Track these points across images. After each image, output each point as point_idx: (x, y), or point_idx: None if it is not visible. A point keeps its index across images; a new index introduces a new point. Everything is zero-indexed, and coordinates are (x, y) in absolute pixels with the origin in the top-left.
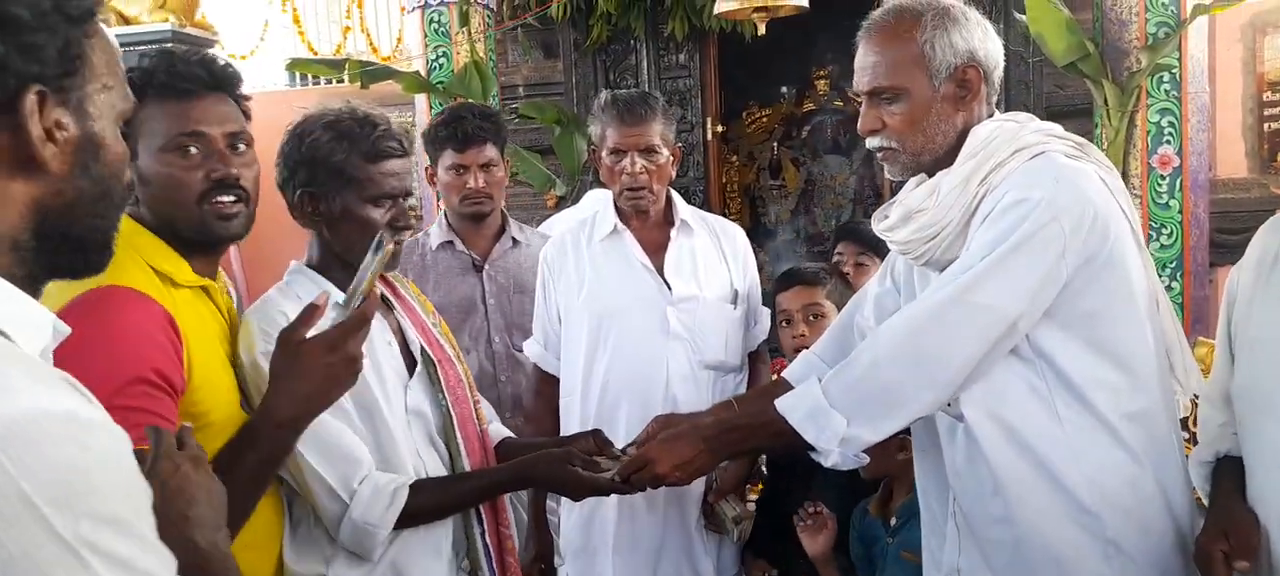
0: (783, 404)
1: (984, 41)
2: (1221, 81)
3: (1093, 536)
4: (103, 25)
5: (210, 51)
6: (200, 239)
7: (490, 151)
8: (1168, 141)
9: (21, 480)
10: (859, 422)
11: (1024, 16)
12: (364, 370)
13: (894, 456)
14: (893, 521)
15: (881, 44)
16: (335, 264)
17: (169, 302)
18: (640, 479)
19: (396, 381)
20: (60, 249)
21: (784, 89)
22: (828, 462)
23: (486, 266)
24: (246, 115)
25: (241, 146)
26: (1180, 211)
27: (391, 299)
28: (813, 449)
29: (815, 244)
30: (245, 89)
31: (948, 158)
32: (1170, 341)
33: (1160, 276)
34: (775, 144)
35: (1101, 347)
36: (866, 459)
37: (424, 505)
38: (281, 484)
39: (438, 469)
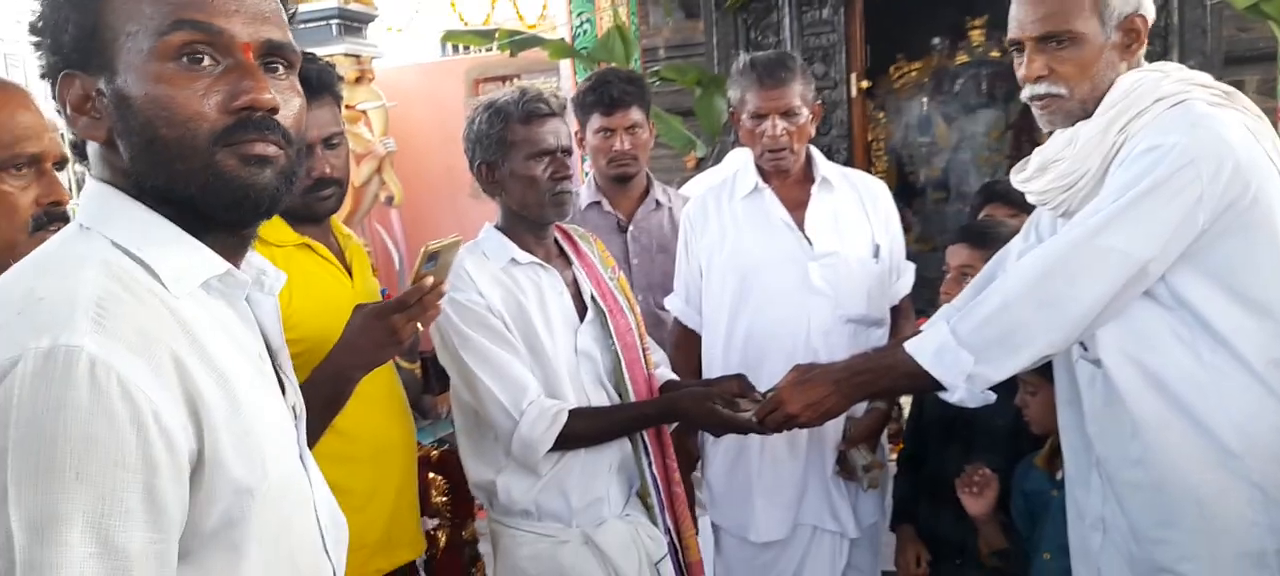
0: (911, 344)
1: None
2: None
3: (1238, 479)
4: None
5: (312, 53)
6: (306, 216)
7: (636, 114)
8: None
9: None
10: (985, 361)
11: None
12: (532, 314)
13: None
14: (1059, 476)
15: None
16: (517, 222)
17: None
18: (774, 419)
19: (565, 325)
20: (170, 200)
21: (935, 40)
22: (954, 398)
23: (631, 227)
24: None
25: (335, 143)
26: None
27: (571, 253)
28: (941, 388)
29: (966, 201)
30: (402, 61)
31: (1095, 107)
32: None
33: None
34: (925, 99)
35: (1245, 294)
36: (992, 396)
37: (582, 428)
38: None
39: (604, 404)
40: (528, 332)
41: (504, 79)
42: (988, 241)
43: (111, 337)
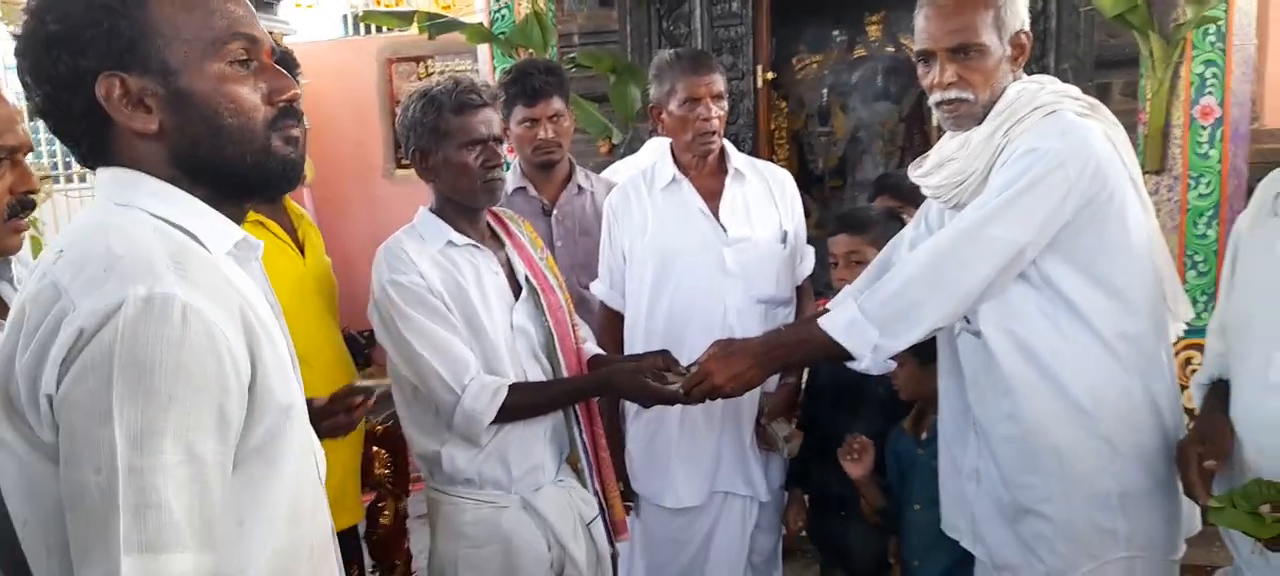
0: (824, 320)
1: (1026, 13)
2: (1274, 32)
3: (1089, 433)
4: None
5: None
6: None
7: (557, 104)
8: (1210, 92)
9: (130, 356)
10: (888, 333)
11: None
12: (471, 294)
13: (927, 381)
14: (923, 437)
15: (967, 6)
16: (450, 207)
17: None
18: (700, 390)
19: (501, 303)
20: (214, 180)
21: (836, 34)
22: (861, 366)
23: (555, 211)
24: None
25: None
26: (1219, 161)
27: (502, 235)
28: (850, 359)
29: (862, 190)
30: (310, 37)
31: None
32: (1163, 275)
33: (1197, 223)
34: (825, 90)
35: (1100, 278)
36: (893, 365)
37: (521, 402)
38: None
39: (539, 377)
40: (467, 311)
41: (418, 59)
42: (865, 226)
43: (194, 286)
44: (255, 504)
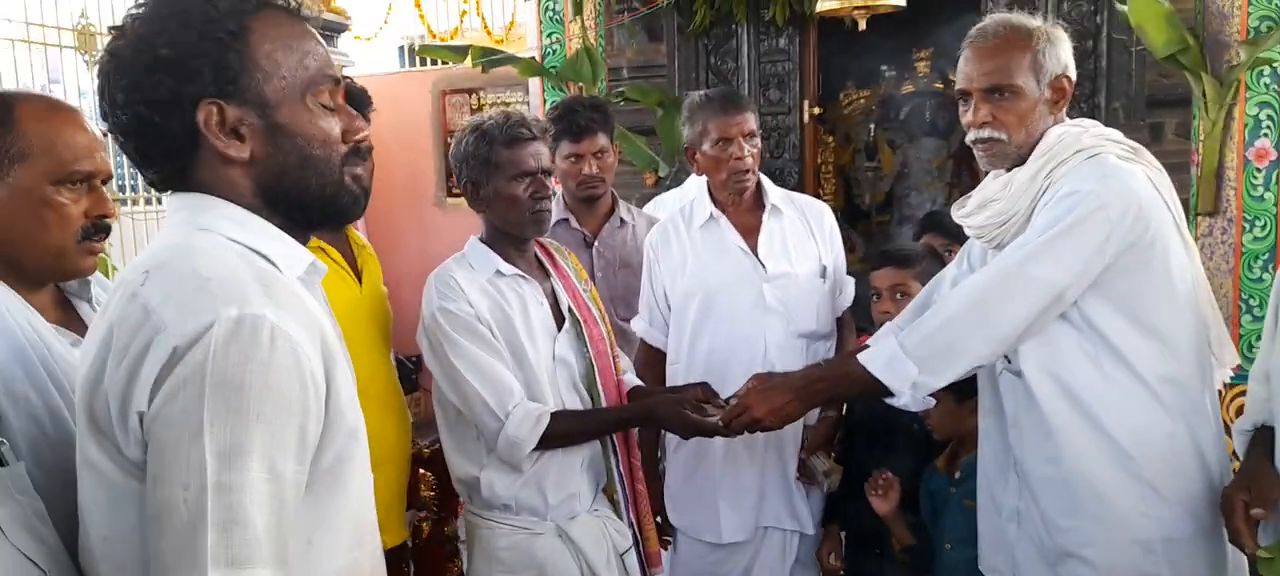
0: (864, 356)
1: (1070, 57)
2: None
3: (1132, 477)
4: (284, 26)
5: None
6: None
7: (602, 140)
8: (1265, 134)
9: (220, 378)
10: (927, 370)
11: (1125, 6)
12: (516, 323)
13: (962, 419)
14: (957, 475)
15: (1001, 49)
16: (499, 237)
17: None
18: (739, 423)
19: (545, 333)
20: (289, 208)
21: (884, 69)
22: (900, 403)
23: (597, 243)
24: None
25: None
26: (1275, 204)
27: (549, 266)
28: (889, 394)
29: (909, 225)
30: (367, 69)
31: (1028, 156)
32: (1208, 320)
33: (1252, 266)
34: (872, 126)
35: (1142, 321)
36: (933, 402)
37: (563, 430)
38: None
39: (578, 407)
40: (512, 340)
41: (470, 92)
42: (909, 261)
43: (281, 308)
44: (323, 523)
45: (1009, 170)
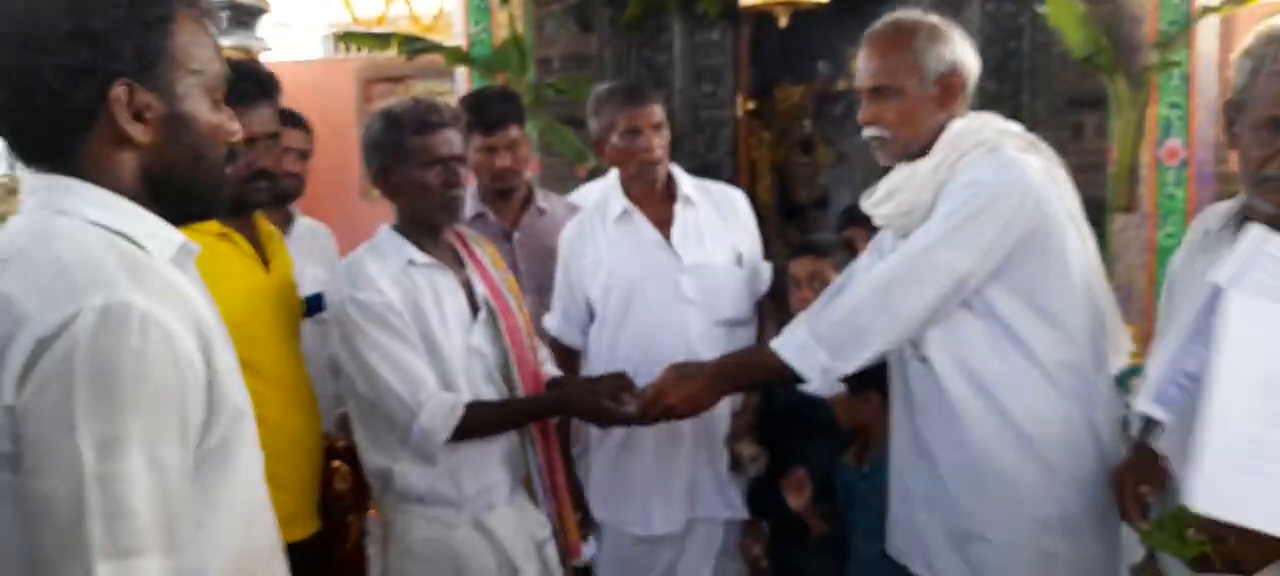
0: (776, 343)
1: (964, 53)
2: None
3: (1031, 458)
4: (198, 23)
5: (261, 63)
6: (236, 208)
7: (514, 132)
8: (1176, 134)
9: (93, 364)
10: (837, 356)
11: (1045, 9)
12: (429, 313)
13: (858, 409)
14: (865, 469)
15: (883, 49)
16: (412, 225)
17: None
18: (654, 410)
19: (459, 324)
20: (170, 198)
21: (819, 65)
22: (811, 388)
23: (517, 233)
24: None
25: (273, 140)
26: (1185, 202)
27: (464, 255)
28: (801, 381)
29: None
30: (288, 56)
31: (929, 148)
32: (1103, 307)
33: (1167, 262)
34: (808, 121)
35: (1041, 307)
36: (842, 387)
37: (477, 421)
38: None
39: (494, 398)
40: (424, 330)
41: (396, 80)
42: (826, 250)
43: (150, 293)
44: (213, 505)
45: (912, 161)
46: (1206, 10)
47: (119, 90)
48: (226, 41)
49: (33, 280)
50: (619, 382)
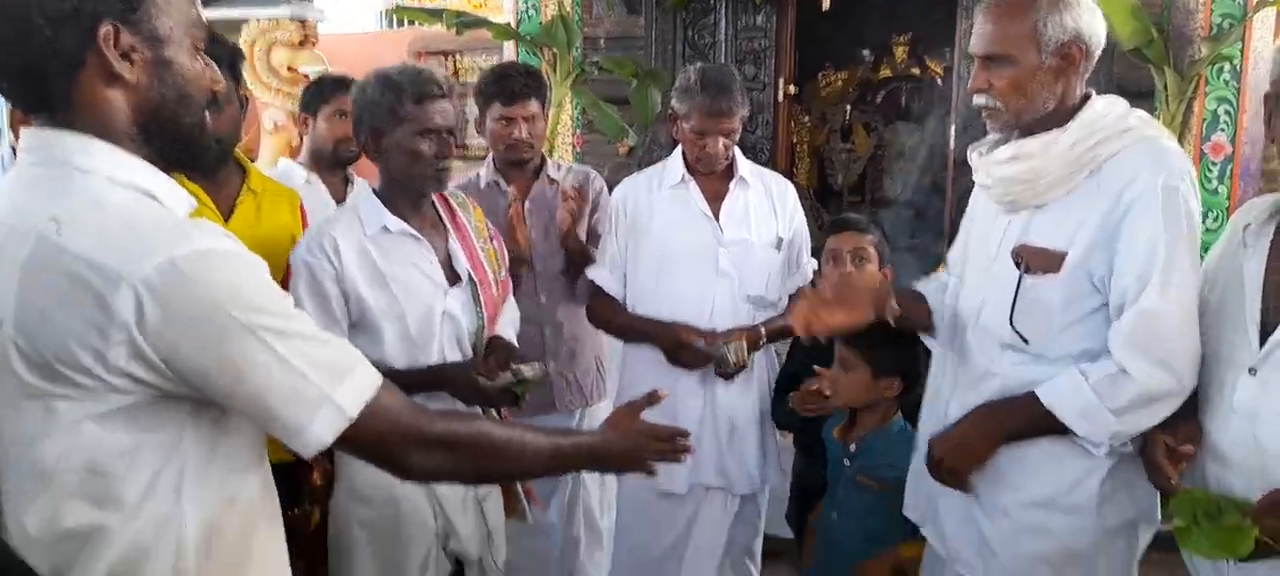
0: (1050, 398)
1: (1090, 22)
2: None
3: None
4: None
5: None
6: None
7: (533, 106)
8: (1222, 129)
9: (215, 293)
10: (1127, 421)
11: None
12: (392, 282)
13: (878, 392)
14: (852, 448)
15: (1000, 15)
16: (395, 190)
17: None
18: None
19: (433, 290)
20: (160, 140)
21: (864, 52)
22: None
23: (527, 203)
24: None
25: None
26: (1228, 198)
27: (447, 222)
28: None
29: (882, 207)
30: (343, 28)
31: (1048, 120)
32: None
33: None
34: (848, 107)
35: None
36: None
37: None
38: None
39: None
40: (384, 298)
41: (446, 54)
42: (866, 228)
43: (219, 237)
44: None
45: (1025, 132)
46: (1263, 3)
47: (107, 29)
48: (284, 10)
49: (101, 236)
50: (498, 362)
